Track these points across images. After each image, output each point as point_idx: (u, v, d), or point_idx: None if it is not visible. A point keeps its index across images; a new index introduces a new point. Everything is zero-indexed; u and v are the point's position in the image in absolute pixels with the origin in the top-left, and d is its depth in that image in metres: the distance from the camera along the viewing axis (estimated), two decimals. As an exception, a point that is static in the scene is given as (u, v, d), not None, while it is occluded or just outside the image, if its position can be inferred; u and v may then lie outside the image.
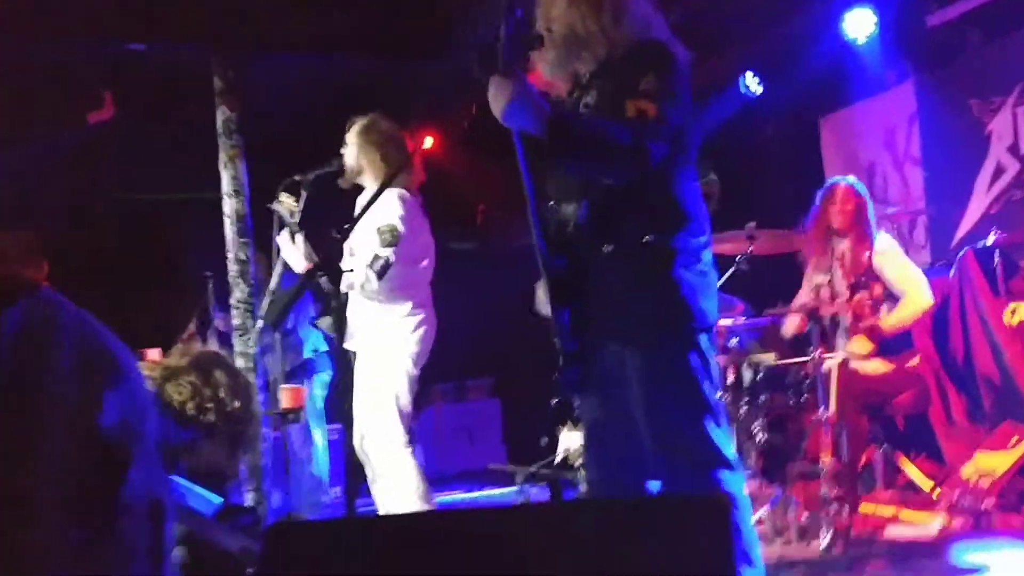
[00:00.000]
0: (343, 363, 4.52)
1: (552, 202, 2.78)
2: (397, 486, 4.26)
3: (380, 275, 4.18)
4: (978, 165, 6.82)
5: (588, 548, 1.54)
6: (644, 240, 2.67)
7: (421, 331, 4.46)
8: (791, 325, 5.23)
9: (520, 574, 1.58)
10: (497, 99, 2.54)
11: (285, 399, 4.70)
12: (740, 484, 2.76)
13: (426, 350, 4.49)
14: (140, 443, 1.48)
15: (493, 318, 8.21)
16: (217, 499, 2.54)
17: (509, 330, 8.04)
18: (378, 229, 4.20)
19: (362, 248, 4.29)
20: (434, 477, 5.83)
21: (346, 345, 4.34)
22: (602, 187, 2.70)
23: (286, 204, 4.42)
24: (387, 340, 4.38)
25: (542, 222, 2.66)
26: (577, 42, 2.81)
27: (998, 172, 6.70)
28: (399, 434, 4.31)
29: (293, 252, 4.45)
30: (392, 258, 4.21)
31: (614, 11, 2.82)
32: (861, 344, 4.84)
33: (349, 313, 4.35)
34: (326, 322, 4.60)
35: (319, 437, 6.13)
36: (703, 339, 2.71)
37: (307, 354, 6.16)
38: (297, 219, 4.44)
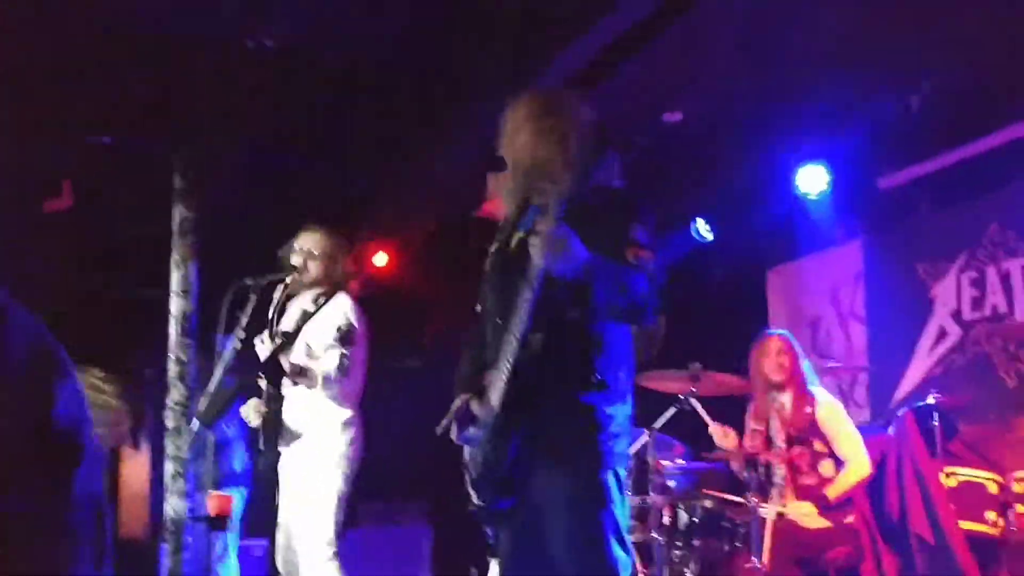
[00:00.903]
0: (268, 472, 4.41)
1: (501, 324, 2.80)
2: None
3: (343, 373, 4.17)
4: (921, 327, 6.96)
5: None
6: (592, 380, 2.72)
7: (358, 443, 4.43)
8: (725, 440, 5.18)
9: None
10: (556, 247, 2.57)
11: (213, 506, 4.56)
12: None
13: (356, 463, 4.43)
14: (87, 440, 1.53)
15: (431, 440, 8.09)
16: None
17: (447, 454, 7.93)
18: (339, 327, 4.20)
19: (318, 347, 4.26)
20: (356, 603, 5.64)
21: (282, 448, 4.25)
22: (561, 322, 2.74)
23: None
24: (327, 447, 4.32)
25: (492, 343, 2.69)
26: (538, 172, 2.86)
27: (941, 336, 6.84)
28: (329, 543, 4.22)
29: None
30: (350, 357, 4.24)
31: (577, 148, 2.90)
32: (807, 508, 4.85)
33: (287, 416, 4.28)
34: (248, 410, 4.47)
35: (233, 549, 5.92)
36: (622, 473, 2.82)
37: (239, 467, 6.01)
38: (237, 332, 4.38)
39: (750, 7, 5.49)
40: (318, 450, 4.34)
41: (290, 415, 4.34)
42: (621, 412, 2.79)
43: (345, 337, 4.20)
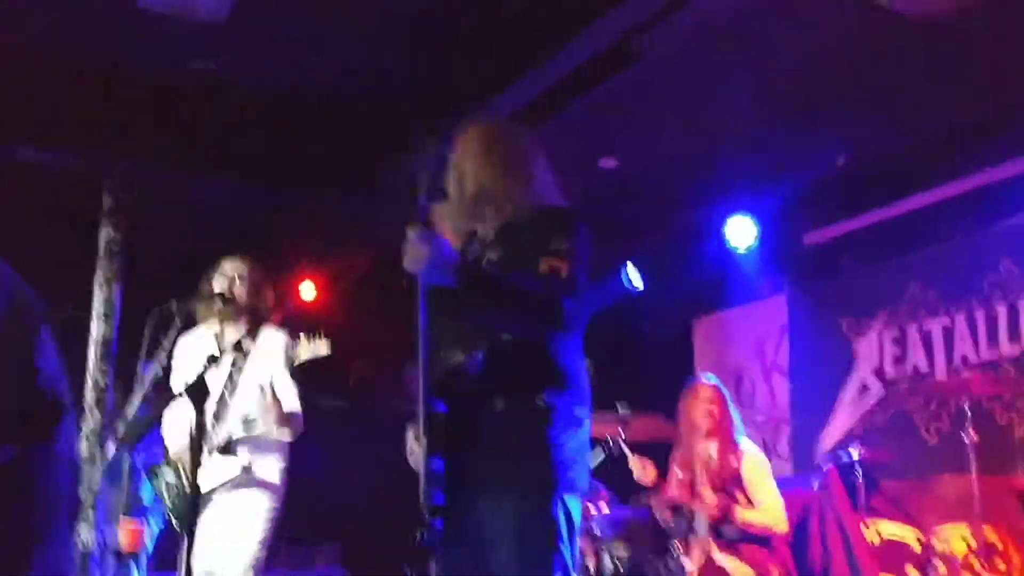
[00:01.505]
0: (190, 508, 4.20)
1: (441, 351, 2.73)
2: None
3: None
4: (843, 382, 7.06)
5: None
6: (537, 401, 2.63)
7: (282, 489, 4.26)
8: (644, 474, 5.14)
9: None
10: (416, 251, 2.52)
11: (124, 538, 4.37)
12: None
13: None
14: (67, 396, 1.54)
15: (348, 482, 7.95)
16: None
17: (364, 496, 7.80)
18: (291, 365, 4.07)
19: (273, 384, 4.10)
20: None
21: (209, 486, 4.06)
22: (497, 340, 2.67)
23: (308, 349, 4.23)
24: (269, 491, 4.17)
25: (430, 367, 2.60)
26: (485, 201, 2.84)
27: (862, 391, 6.94)
28: None
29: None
30: None
31: (523, 176, 2.89)
32: (730, 561, 4.83)
33: (225, 456, 4.09)
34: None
35: None
36: (572, 504, 2.68)
37: (148, 501, 5.79)
38: (159, 357, 4.22)
39: (690, 63, 5.58)
40: (257, 496, 4.15)
41: (230, 456, 4.15)
42: (572, 438, 2.68)
43: (295, 378, 4.10)
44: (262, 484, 4.17)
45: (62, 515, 1.50)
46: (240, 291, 4.31)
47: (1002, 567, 4.84)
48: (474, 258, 2.79)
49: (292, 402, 4.19)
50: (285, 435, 4.19)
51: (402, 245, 2.55)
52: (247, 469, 4.07)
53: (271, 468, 4.21)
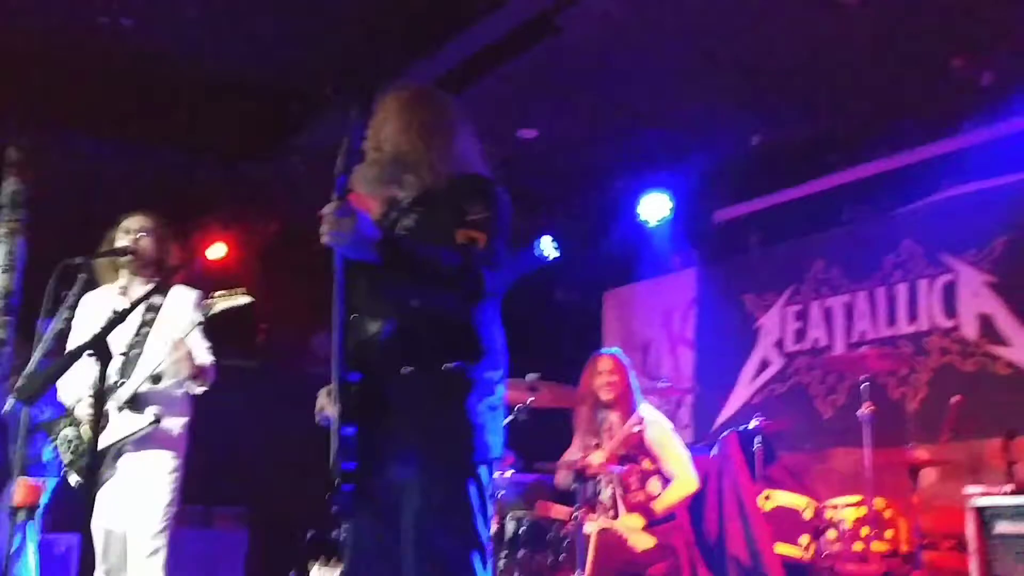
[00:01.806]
0: (91, 465, 4.12)
1: (352, 317, 2.72)
2: None
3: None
4: (745, 355, 7.24)
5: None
6: (444, 367, 2.64)
7: (184, 446, 4.22)
8: (564, 479, 5.25)
9: None
10: (337, 227, 2.48)
11: (20, 494, 4.28)
12: None
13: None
14: None
15: (252, 443, 7.89)
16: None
17: (271, 457, 7.75)
18: (202, 319, 4.01)
19: (181, 337, 4.03)
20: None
21: (112, 441, 4.00)
22: (410, 309, 2.67)
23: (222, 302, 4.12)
24: (172, 449, 4.12)
25: (344, 335, 2.59)
26: (404, 166, 2.83)
27: (763, 365, 7.13)
28: (161, 544, 4.01)
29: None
30: None
31: (443, 142, 2.86)
32: (635, 520, 4.94)
33: (132, 412, 4.02)
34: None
35: (32, 544, 5.57)
36: (484, 473, 2.67)
37: (47, 456, 5.66)
38: (63, 311, 4.11)
39: (610, 39, 5.62)
40: (162, 454, 4.10)
41: (137, 412, 4.08)
42: (482, 402, 2.67)
43: (206, 329, 4.05)
44: (167, 440, 4.12)
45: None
46: (145, 245, 4.23)
47: (889, 535, 5.04)
48: (390, 224, 2.78)
49: (204, 356, 4.15)
50: (197, 387, 4.15)
51: (321, 219, 2.49)
52: (155, 423, 4.02)
53: (175, 424, 4.17)
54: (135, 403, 4.02)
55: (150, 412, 4.03)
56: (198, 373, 4.09)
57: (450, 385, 2.65)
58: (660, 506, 4.99)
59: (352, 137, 2.72)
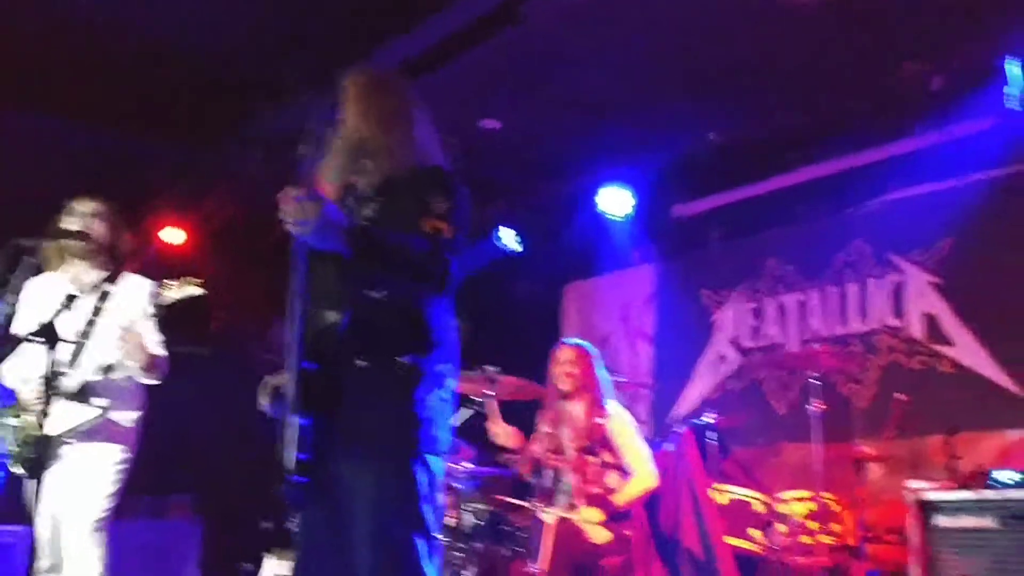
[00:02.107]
0: (38, 455, 4.04)
1: (314, 310, 2.71)
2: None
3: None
4: (701, 350, 7.30)
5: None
6: (399, 361, 2.65)
7: (134, 438, 4.16)
8: (503, 436, 5.23)
9: None
10: (302, 215, 2.45)
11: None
12: None
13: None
14: None
15: (205, 432, 7.82)
16: None
17: (223, 445, 7.69)
18: (155, 308, 3.96)
19: (132, 326, 3.97)
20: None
21: (59, 431, 3.94)
22: (368, 300, 2.67)
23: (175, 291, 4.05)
24: (121, 440, 4.05)
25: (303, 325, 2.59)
26: (363, 152, 2.82)
27: (719, 360, 7.20)
28: (97, 538, 3.97)
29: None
30: None
31: (402, 129, 2.87)
32: (594, 513, 4.95)
33: (80, 403, 3.97)
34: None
35: None
36: (435, 463, 2.70)
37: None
38: (6, 296, 4.03)
39: (572, 31, 5.64)
40: (109, 446, 4.02)
41: (87, 402, 4.02)
42: (432, 395, 2.70)
43: (158, 324, 4.01)
44: (116, 432, 4.06)
45: None
46: (98, 229, 4.16)
47: (837, 528, 5.12)
48: (347, 212, 2.77)
49: (156, 347, 4.10)
50: (149, 379, 4.10)
51: (283, 206, 2.46)
52: (102, 414, 3.97)
53: (125, 416, 4.11)
54: (83, 393, 3.95)
55: (97, 404, 3.97)
56: (150, 364, 4.03)
57: (403, 378, 2.66)
58: (620, 499, 5.01)
59: (317, 123, 2.71)
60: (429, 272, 2.65)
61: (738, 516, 5.34)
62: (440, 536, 4.64)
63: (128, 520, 8.09)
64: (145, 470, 4.23)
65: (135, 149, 6.75)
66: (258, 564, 6.23)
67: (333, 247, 2.53)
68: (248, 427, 2.94)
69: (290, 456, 2.52)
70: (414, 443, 2.65)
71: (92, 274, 4.14)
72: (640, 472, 5.08)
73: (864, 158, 6.42)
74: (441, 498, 2.75)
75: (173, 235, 7.57)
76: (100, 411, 3.97)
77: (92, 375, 3.97)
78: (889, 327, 6.21)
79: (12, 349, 3.88)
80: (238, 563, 7.34)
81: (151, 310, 4.00)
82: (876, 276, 6.35)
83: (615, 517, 5.00)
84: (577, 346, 5.32)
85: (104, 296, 4.09)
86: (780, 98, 6.25)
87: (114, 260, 4.17)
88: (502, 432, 5.20)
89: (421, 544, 2.61)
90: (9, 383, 4.10)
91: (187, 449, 7.67)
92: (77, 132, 6.46)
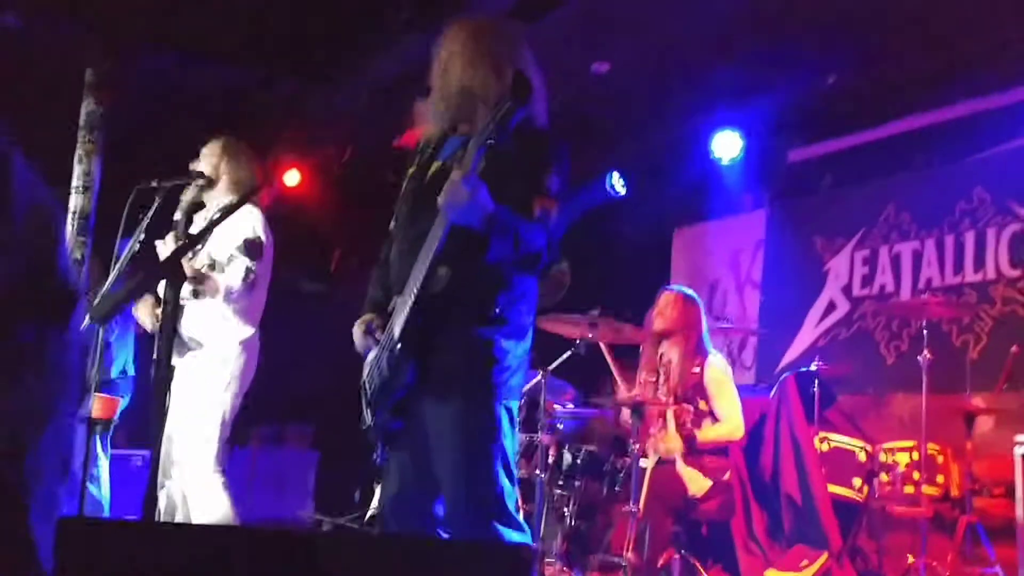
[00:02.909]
0: (158, 382, 4.29)
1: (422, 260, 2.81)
2: (205, 514, 4.12)
3: (251, 287, 4.11)
4: (812, 298, 7.19)
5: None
6: (491, 314, 2.77)
7: (251, 364, 4.37)
8: (623, 414, 5.30)
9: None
10: (458, 195, 2.58)
11: (98, 407, 4.49)
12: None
13: (249, 381, 4.40)
14: (79, 288, 1.69)
15: (326, 367, 8.07)
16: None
17: (340, 380, 7.92)
18: (246, 240, 4.12)
19: (222, 257, 4.18)
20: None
21: (174, 361, 4.19)
22: (469, 258, 2.73)
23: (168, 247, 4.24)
24: (220, 364, 4.26)
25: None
26: (470, 99, 2.86)
27: (830, 308, 7.08)
28: (214, 459, 4.19)
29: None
30: (257, 270, 4.16)
31: (510, 77, 2.86)
32: (675, 441, 4.98)
33: (184, 328, 4.21)
34: (142, 311, 4.37)
35: (104, 456, 5.84)
36: (515, 407, 2.85)
37: (115, 374, 5.89)
38: (138, 234, 4.24)
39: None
40: (211, 367, 4.26)
41: (187, 327, 4.26)
42: (518, 348, 2.82)
43: (251, 249, 4.12)
44: (216, 356, 4.27)
45: (72, 392, 1.69)
46: (224, 167, 4.35)
47: (940, 479, 5.04)
48: (446, 160, 2.85)
49: (232, 277, 4.21)
50: (229, 306, 4.26)
51: (444, 184, 2.61)
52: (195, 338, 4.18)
53: (222, 339, 4.29)
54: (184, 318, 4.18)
55: (194, 329, 4.17)
56: (220, 291, 4.19)
57: (493, 330, 2.78)
58: (702, 437, 5.02)
59: (425, 67, 2.77)
60: (538, 264, 2.78)
61: (840, 464, 5.30)
62: (541, 475, 4.80)
63: (249, 448, 8.51)
64: (266, 400, 4.44)
65: (253, 91, 6.93)
66: (369, 494, 6.48)
67: (471, 223, 2.63)
68: (360, 361, 3.10)
69: (383, 394, 2.68)
70: (500, 390, 2.77)
71: (215, 208, 4.35)
72: (729, 421, 5.08)
73: (987, 103, 6.17)
74: (516, 444, 2.90)
75: (289, 176, 7.78)
76: (206, 328, 4.19)
77: (195, 293, 4.17)
78: (1006, 277, 6.02)
79: (139, 289, 4.11)
80: (350, 491, 7.61)
81: (242, 244, 4.15)
82: (995, 225, 6.14)
83: (697, 453, 4.99)
84: (679, 292, 5.32)
85: (214, 223, 4.30)
86: (903, 41, 6.04)
87: (239, 197, 4.33)
88: (623, 389, 5.26)
89: (502, 481, 2.73)
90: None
91: (306, 382, 7.94)
92: (200, 71, 6.65)
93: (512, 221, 2.69)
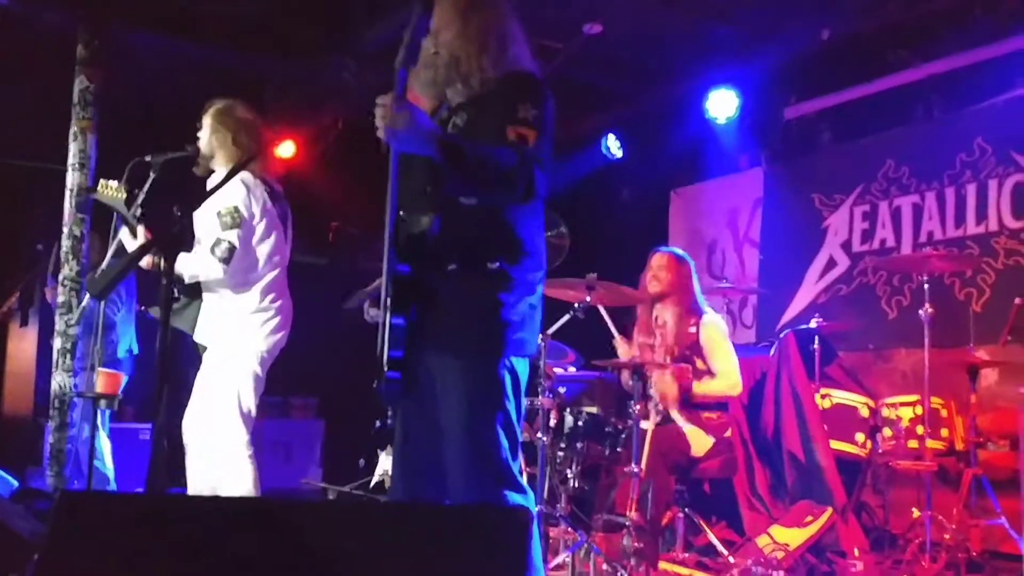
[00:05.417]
0: (166, 358, 4.28)
1: (403, 213, 2.80)
2: (232, 489, 4.12)
3: (226, 261, 4.04)
4: (812, 255, 7.19)
5: (399, 546, 1.55)
6: (488, 267, 2.73)
7: (270, 330, 4.26)
8: (627, 354, 5.27)
9: (332, 568, 1.58)
10: (396, 122, 2.55)
11: (102, 383, 4.50)
12: (530, 504, 2.84)
13: (275, 351, 4.32)
14: None
15: (329, 338, 8.09)
16: (14, 482, 2.48)
17: (343, 351, 7.94)
18: (218, 212, 4.06)
19: (204, 234, 4.14)
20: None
21: (196, 338, 4.17)
22: (457, 207, 2.74)
23: (109, 192, 4.18)
24: (233, 336, 4.19)
25: (395, 230, 2.68)
26: (458, 73, 2.86)
27: (830, 265, 7.08)
28: (241, 437, 4.16)
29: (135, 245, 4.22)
30: (236, 242, 4.06)
31: (497, 53, 2.88)
32: (670, 386, 4.99)
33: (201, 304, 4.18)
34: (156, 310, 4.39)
35: (105, 435, 5.87)
36: (520, 365, 2.81)
37: (121, 354, 5.90)
38: (134, 209, 4.20)
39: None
40: (225, 344, 4.20)
41: (203, 304, 4.21)
42: (522, 303, 2.79)
43: (224, 222, 4.05)
44: (221, 325, 4.25)
45: None
46: (216, 135, 4.28)
47: (944, 433, 5.06)
48: (439, 122, 2.83)
49: (210, 245, 4.15)
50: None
51: (376, 112, 2.56)
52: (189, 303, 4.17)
53: (225, 307, 4.25)
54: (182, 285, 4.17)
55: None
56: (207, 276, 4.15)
57: (490, 281, 2.74)
58: (699, 390, 5.03)
59: (414, 33, 2.76)
60: (515, 183, 2.70)
61: (843, 421, 5.32)
62: (543, 438, 4.81)
63: (256, 420, 8.52)
64: (271, 372, 4.41)
65: (247, 65, 6.90)
66: (374, 460, 6.51)
67: (421, 151, 2.60)
68: (362, 333, 3.08)
69: (385, 354, 2.66)
70: (501, 345, 2.74)
71: (218, 174, 4.31)
72: (725, 377, 5.07)
73: (985, 53, 6.11)
74: (523, 399, 2.85)
75: (284, 149, 7.75)
76: (218, 299, 4.17)
77: (196, 263, 4.14)
78: (1008, 228, 6.00)
79: (133, 262, 4.10)
80: (356, 460, 7.65)
81: (216, 219, 4.10)
82: (997, 176, 6.12)
83: (710, 424, 5.02)
84: (671, 253, 5.32)
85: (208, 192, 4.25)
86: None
87: (233, 159, 4.26)
88: (624, 347, 5.25)
89: (506, 439, 2.72)
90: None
91: (309, 354, 7.95)
92: (191, 47, 6.61)
93: (476, 147, 2.66)
